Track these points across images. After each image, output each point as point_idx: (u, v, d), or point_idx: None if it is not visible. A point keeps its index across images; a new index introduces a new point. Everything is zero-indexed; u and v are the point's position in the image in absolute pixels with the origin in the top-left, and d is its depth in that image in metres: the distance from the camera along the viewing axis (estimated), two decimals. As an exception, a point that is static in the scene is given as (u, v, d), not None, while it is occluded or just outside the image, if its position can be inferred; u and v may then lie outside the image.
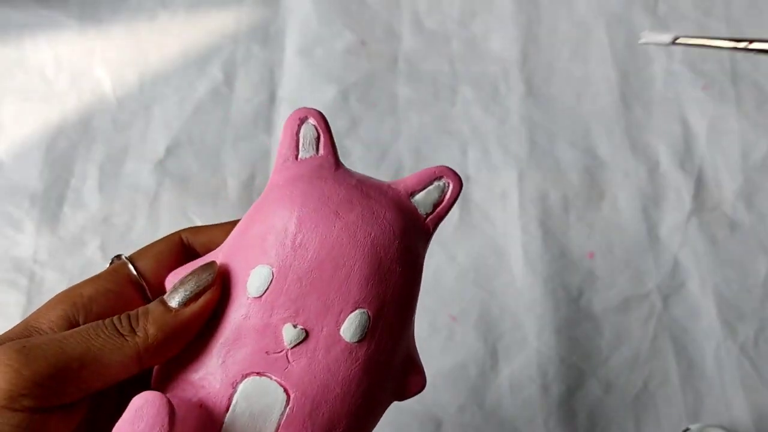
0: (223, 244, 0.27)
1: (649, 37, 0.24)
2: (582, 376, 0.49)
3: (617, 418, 0.48)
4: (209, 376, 0.24)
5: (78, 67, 0.60)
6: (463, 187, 0.61)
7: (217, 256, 0.27)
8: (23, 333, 0.24)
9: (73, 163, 0.56)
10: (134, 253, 0.28)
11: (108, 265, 0.29)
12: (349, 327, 0.24)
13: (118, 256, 0.28)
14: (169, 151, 0.56)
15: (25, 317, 0.25)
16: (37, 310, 0.25)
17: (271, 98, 0.59)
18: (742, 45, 0.23)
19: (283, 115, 0.58)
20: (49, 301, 0.25)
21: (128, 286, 0.27)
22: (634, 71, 0.61)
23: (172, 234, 0.29)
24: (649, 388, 0.49)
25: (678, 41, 0.24)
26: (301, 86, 0.59)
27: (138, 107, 0.58)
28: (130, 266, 0.27)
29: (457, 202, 0.59)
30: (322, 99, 0.59)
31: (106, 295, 0.26)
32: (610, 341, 0.50)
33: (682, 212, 0.55)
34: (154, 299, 0.27)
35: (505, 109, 0.59)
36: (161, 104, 0.58)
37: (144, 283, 0.27)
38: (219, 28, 0.61)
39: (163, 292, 0.26)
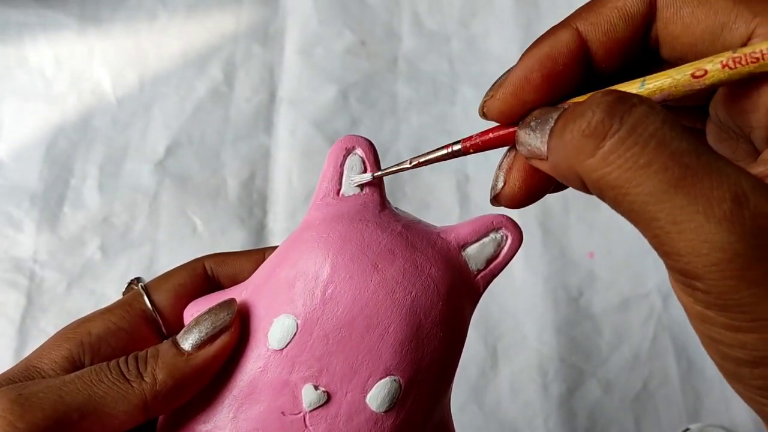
0: (248, 281, 0.25)
1: (357, 179, 0.24)
2: (582, 376, 0.49)
3: (617, 418, 0.48)
4: (217, 431, 0.22)
5: (78, 67, 0.60)
6: (463, 187, 0.60)
7: (241, 293, 0.24)
8: (24, 374, 0.22)
9: (73, 162, 0.56)
10: (152, 282, 0.26)
11: (125, 287, 0.28)
12: (377, 395, 0.22)
13: (138, 279, 0.27)
14: (169, 150, 0.56)
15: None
16: (41, 346, 0.24)
17: (271, 98, 0.59)
18: (414, 162, 0.23)
19: (283, 114, 0.58)
20: (55, 336, 0.24)
21: (141, 323, 0.25)
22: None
23: (195, 261, 0.27)
24: (649, 388, 0.49)
25: (376, 174, 0.24)
26: (300, 86, 0.59)
27: (138, 107, 0.58)
28: (146, 299, 0.25)
29: (456, 202, 0.59)
30: (322, 99, 0.59)
31: (117, 334, 0.24)
32: (610, 341, 0.50)
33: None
34: (169, 335, 0.25)
35: (505, 108, 0.59)
36: (161, 104, 0.58)
37: (159, 319, 0.25)
38: (219, 28, 0.61)
39: (180, 329, 0.24)
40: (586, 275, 0.52)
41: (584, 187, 0.18)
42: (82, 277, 0.52)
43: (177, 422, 0.23)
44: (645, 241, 0.59)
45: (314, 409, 0.22)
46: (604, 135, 0.16)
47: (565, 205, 0.55)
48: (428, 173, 0.56)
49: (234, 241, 0.53)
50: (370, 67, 0.60)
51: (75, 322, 0.24)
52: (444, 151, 0.23)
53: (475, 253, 0.24)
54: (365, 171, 0.24)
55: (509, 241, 0.25)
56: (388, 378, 0.22)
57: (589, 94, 0.20)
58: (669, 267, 0.17)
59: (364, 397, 0.22)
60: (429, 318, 0.22)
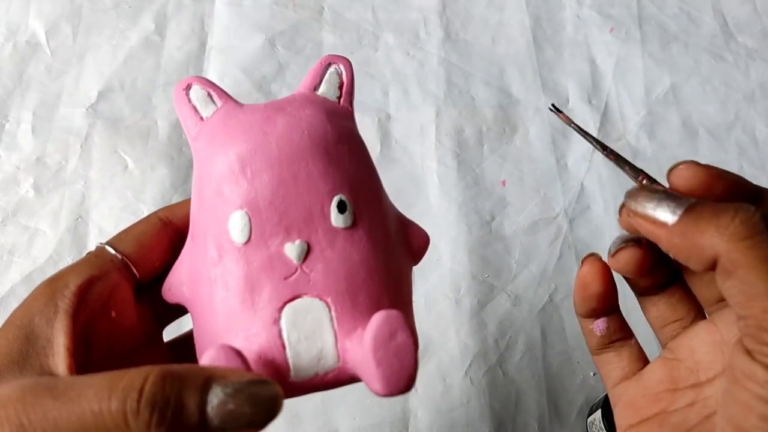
0: (190, 226, 0.27)
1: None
2: (492, 291, 0.52)
3: (525, 327, 0.51)
4: (251, 333, 0.24)
5: (14, 20, 0.62)
6: (384, 125, 0.64)
7: (191, 236, 0.27)
8: (24, 347, 0.22)
9: (8, 109, 0.58)
10: (113, 238, 0.27)
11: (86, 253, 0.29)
12: (337, 215, 0.25)
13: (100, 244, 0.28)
14: (101, 95, 0.59)
15: (11, 315, 0.23)
16: (26, 307, 0.24)
17: (201, 46, 0.61)
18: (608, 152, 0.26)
19: (212, 61, 0.61)
20: (38, 294, 0.24)
21: (113, 270, 0.26)
22: (547, 17, 0.64)
23: (148, 216, 0.29)
24: (554, 300, 0.52)
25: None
26: (229, 35, 0.62)
27: (71, 56, 0.60)
28: (110, 249, 0.26)
29: (378, 139, 0.62)
30: (250, 46, 0.61)
31: (93, 282, 0.25)
32: (519, 260, 0.54)
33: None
34: (142, 279, 0.27)
35: (424, 53, 0.62)
36: (94, 53, 0.60)
37: (130, 264, 0.27)
38: (151, -17, 0.63)
39: (151, 269, 0.26)
40: (498, 201, 0.56)
41: (702, 261, 0.21)
42: (16, 214, 0.54)
43: (210, 344, 0.25)
44: (554, 170, 0.63)
45: (305, 259, 0.25)
46: (760, 230, 0.20)
47: (479, 138, 0.58)
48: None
49: (164, 177, 0.55)
50: (297, 16, 0.63)
51: (47, 279, 0.25)
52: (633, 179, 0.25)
53: (326, 89, 0.28)
54: (209, 94, 0.28)
55: (343, 67, 0.28)
56: (335, 198, 0.25)
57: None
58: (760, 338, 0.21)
59: (331, 224, 0.25)
60: (328, 140, 0.26)
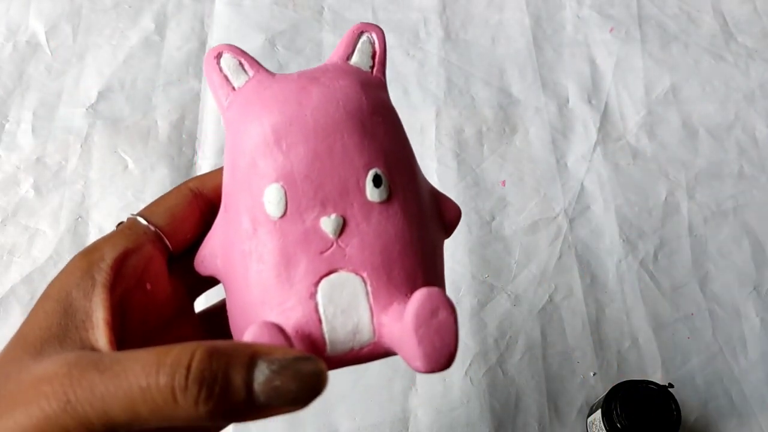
0: (222, 197, 0.27)
1: None
2: (492, 291, 0.52)
3: (525, 327, 0.51)
4: (287, 307, 0.24)
5: (14, 20, 0.62)
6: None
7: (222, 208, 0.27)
8: (64, 322, 0.22)
9: (8, 109, 0.58)
10: (144, 209, 0.27)
11: (117, 224, 0.28)
12: (373, 189, 0.25)
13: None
14: (101, 95, 0.59)
15: (47, 289, 0.23)
16: (63, 278, 0.23)
17: (201, 46, 0.62)
18: None
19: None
20: (73, 267, 0.23)
21: (147, 242, 0.25)
22: (547, 17, 0.64)
23: (179, 186, 0.28)
24: (554, 300, 0.52)
25: None
26: (229, 34, 0.62)
27: (71, 56, 0.60)
28: (143, 221, 0.26)
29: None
30: (250, 46, 0.61)
31: (128, 254, 0.24)
32: (519, 260, 0.54)
33: (589, 143, 0.58)
34: (174, 251, 0.27)
35: (424, 53, 0.62)
36: (94, 53, 0.61)
37: (163, 236, 0.26)
38: (151, -18, 0.63)
39: (183, 241, 0.26)
40: (498, 201, 0.56)
41: None
42: (16, 214, 0.54)
43: (246, 321, 0.25)
44: (554, 170, 0.63)
45: (340, 233, 0.24)
46: None
47: (479, 138, 0.58)
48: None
49: (164, 177, 0.55)
50: (297, 16, 0.63)
51: (82, 251, 0.24)
52: None
53: (359, 59, 0.27)
54: (240, 63, 0.27)
55: (376, 36, 0.28)
56: (371, 172, 0.25)
57: None
58: None
59: (366, 198, 0.25)
60: (364, 112, 0.25)
